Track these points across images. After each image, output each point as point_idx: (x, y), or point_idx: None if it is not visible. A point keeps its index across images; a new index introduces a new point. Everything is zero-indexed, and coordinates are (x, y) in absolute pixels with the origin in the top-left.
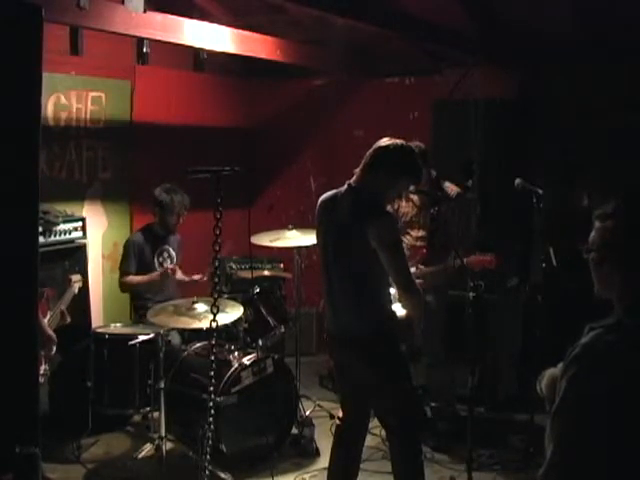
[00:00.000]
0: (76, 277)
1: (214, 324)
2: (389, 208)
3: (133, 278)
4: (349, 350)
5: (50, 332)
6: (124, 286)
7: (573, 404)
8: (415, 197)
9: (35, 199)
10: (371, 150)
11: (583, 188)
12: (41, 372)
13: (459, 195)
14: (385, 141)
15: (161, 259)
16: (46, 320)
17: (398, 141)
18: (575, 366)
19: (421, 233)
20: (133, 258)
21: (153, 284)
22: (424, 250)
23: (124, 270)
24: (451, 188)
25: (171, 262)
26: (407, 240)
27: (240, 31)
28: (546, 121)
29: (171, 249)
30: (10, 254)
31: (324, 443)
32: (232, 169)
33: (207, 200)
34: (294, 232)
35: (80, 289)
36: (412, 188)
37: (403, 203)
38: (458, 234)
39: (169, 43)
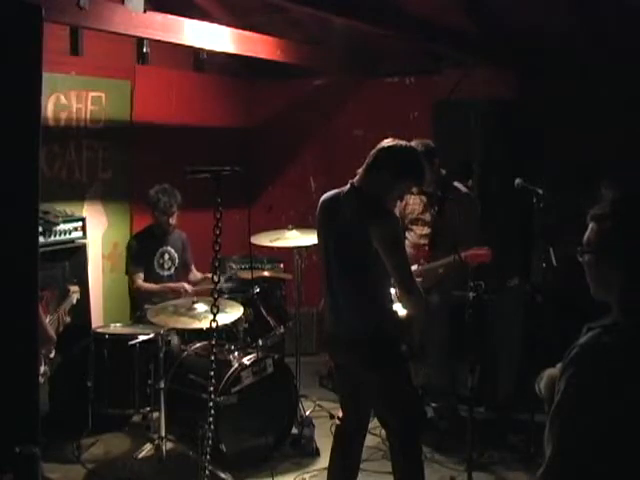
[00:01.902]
0: (74, 288)
1: (214, 324)
2: (397, 203)
3: (146, 285)
4: (349, 350)
5: (51, 332)
6: (136, 291)
7: (572, 404)
8: (422, 196)
9: (35, 199)
10: (374, 150)
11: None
12: (41, 372)
13: (465, 195)
14: (388, 141)
15: (161, 261)
16: (48, 319)
17: (402, 142)
18: (574, 366)
19: (425, 231)
20: (135, 260)
21: (164, 292)
22: (427, 248)
23: (132, 273)
24: (458, 188)
25: (172, 264)
26: (410, 237)
27: (240, 31)
28: (546, 121)
29: (172, 250)
30: (10, 254)
31: (324, 443)
32: (232, 169)
33: (207, 200)
34: (294, 232)
35: (78, 300)
36: (414, 189)
37: (411, 200)
38: (462, 234)
39: (169, 43)
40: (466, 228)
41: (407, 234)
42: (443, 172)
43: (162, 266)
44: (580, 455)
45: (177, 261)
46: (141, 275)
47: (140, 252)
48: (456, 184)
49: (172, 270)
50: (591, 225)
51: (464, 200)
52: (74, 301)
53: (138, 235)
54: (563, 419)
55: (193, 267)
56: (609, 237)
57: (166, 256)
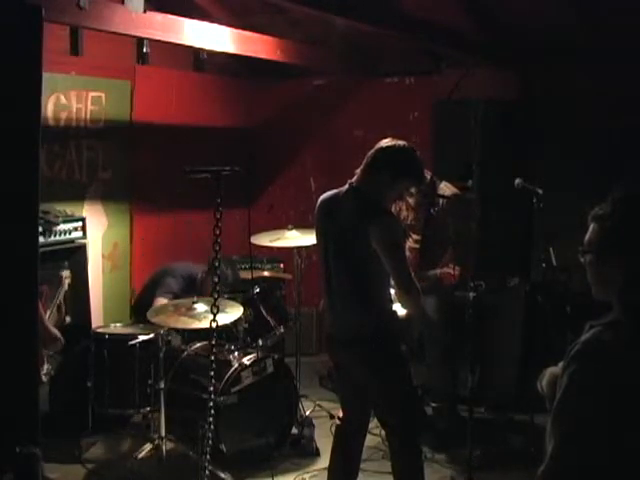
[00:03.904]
0: (66, 273)
1: (214, 324)
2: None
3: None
4: (349, 350)
5: (55, 331)
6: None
7: (574, 402)
8: (411, 200)
9: (35, 199)
10: (372, 150)
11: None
12: (44, 371)
13: (455, 195)
14: (387, 142)
15: None
16: (47, 315)
17: (400, 142)
18: (576, 363)
19: (419, 237)
20: (168, 290)
21: None
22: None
23: (158, 296)
24: (445, 189)
25: None
26: (409, 243)
27: (240, 31)
28: (546, 121)
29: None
30: (10, 254)
31: (324, 443)
32: (232, 169)
33: (207, 200)
34: (294, 232)
35: (70, 285)
36: (412, 189)
37: (404, 206)
38: (454, 236)
39: (169, 43)
40: (458, 229)
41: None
42: (428, 175)
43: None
44: (582, 452)
45: None
46: (164, 301)
47: (177, 290)
48: (442, 185)
49: None
50: (592, 225)
51: (453, 202)
52: (66, 287)
53: (181, 280)
54: (565, 416)
55: None
56: (610, 237)
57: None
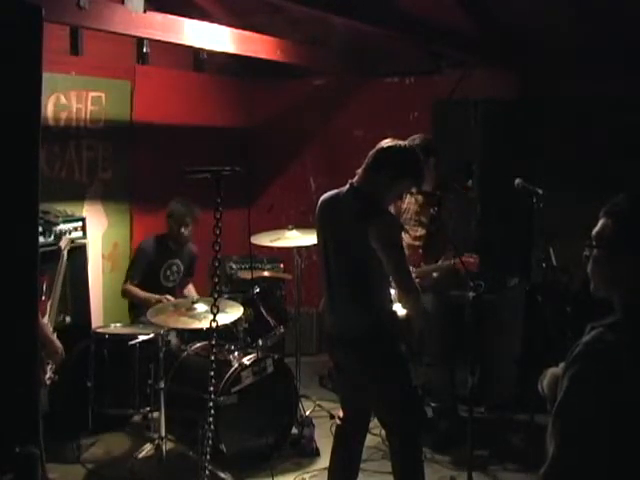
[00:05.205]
0: (64, 242)
1: (214, 324)
2: (392, 205)
3: (133, 289)
4: (349, 350)
5: (57, 343)
6: (125, 293)
7: (575, 403)
8: (419, 196)
9: (35, 199)
10: (373, 151)
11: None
12: (48, 375)
13: (464, 197)
14: (387, 142)
15: (168, 272)
16: (46, 319)
17: (401, 142)
18: (577, 365)
19: (420, 232)
20: (140, 267)
21: (148, 303)
22: (420, 251)
23: (129, 276)
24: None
25: (177, 276)
26: (405, 238)
27: (240, 31)
28: (546, 121)
29: (180, 262)
30: (10, 254)
31: (324, 443)
32: (232, 169)
33: (207, 200)
34: (294, 232)
35: (69, 251)
36: (413, 189)
37: (407, 199)
38: (456, 236)
39: (169, 43)
40: (463, 230)
41: (402, 234)
42: (442, 172)
43: (167, 278)
44: (583, 453)
45: (182, 273)
46: (134, 281)
47: (150, 259)
48: (456, 186)
49: (176, 282)
50: (605, 220)
51: (463, 202)
52: (65, 254)
53: (154, 240)
54: (566, 417)
55: (191, 285)
56: (627, 235)
57: (174, 268)
